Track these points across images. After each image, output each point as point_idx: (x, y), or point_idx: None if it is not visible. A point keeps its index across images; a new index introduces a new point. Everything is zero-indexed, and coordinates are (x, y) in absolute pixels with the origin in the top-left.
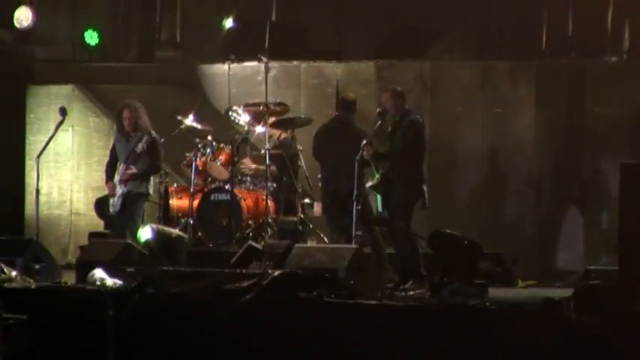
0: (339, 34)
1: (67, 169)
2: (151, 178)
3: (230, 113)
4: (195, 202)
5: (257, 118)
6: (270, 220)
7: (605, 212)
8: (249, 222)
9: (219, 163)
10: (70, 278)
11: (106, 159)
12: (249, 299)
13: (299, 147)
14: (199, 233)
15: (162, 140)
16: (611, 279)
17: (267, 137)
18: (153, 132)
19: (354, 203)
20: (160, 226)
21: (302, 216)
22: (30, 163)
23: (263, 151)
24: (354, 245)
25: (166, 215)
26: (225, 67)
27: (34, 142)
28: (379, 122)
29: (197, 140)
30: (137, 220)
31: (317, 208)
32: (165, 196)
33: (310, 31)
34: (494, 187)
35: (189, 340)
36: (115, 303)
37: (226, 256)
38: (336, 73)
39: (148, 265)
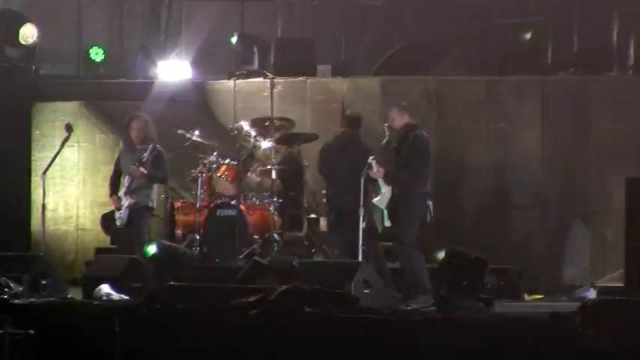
0: (345, 50)
1: (73, 185)
2: (155, 192)
3: (236, 129)
4: (202, 218)
5: (263, 133)
6: (276, 236)
7: (611, 227)
8: (255, 237)
9: (225, 179)
10: (76, 294)
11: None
12: (256, 314)
13: (305, 162)
14: (205, 248)
15: (169, 156)
16: (617, 293)
17: (272, 153)
18: (159, 145)
19: (360, 219)
20: (167, 242)
21: (308, 231)
22: (36, 180)
23: (269, 167)
24: (360, 260)
25: (172, 231)
26: (231, 83)
27: (39, 158)
28: (386, 138)
29: (202, 156)
30: (144, 234)
31: (323, 223)
32: (172, 212)
33: (316, 47)
34: (500, 202)
35: (196, 355)
36: (122, 318)
37: (232, 272)
38: (342, 89)
39: (153, 281)
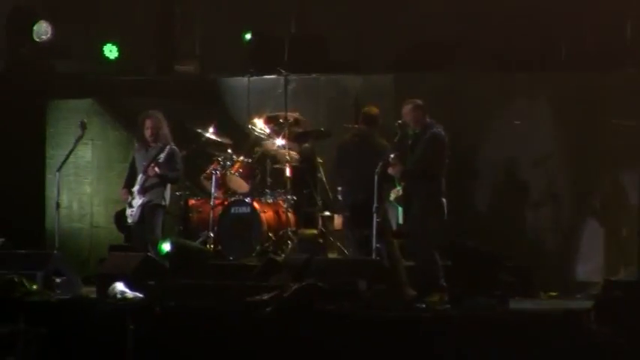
0: (358, 47)
1: (87, 182)
2: (168, 190)
3: (250, 126)
4: (216, 215)
5: (277, 130)
6: (290, 233)
7: (625, 224)
8: (270, 235)
9: (238, 176)
10: (90, 291)
11: (126, 172)
12: (270, 311)
13: (318, 159)
14: (220, 246)
15: (183, 153)
16: (632, 290)
17: (286, 150)
18: (172, 143)
19: (374, 216)
20: (181, 239)
21: (322, 228)
22: (50, 177)
23: (283, 164)
24: (374, 258)
25: (187, 228)
26: (245, 80)
27: (54, 156)
28: (398, 135)
29: (217, 153)
30: (157, 232)
31: (337, 220)
32: (186, 209)
33: (329, 44)
34: (513, 198)
35: (210, 352)
36: (136, 316)
37: (247, 269)
38: (355, 86)
39: (167, 278)
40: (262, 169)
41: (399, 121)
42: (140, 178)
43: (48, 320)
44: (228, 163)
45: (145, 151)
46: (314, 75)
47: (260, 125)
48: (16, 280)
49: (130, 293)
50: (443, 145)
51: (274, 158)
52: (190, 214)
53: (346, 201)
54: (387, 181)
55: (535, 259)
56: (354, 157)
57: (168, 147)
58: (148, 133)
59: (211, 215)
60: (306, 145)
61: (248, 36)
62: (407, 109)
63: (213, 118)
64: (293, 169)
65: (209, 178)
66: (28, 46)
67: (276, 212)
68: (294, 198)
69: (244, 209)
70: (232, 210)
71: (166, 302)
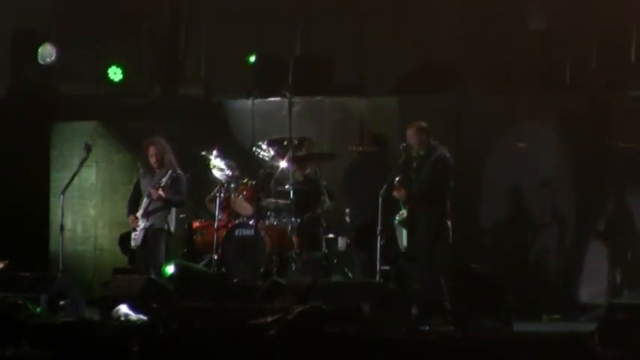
0: (363, 69)
1: (92, 205)
2: (173, 215)
3: (254, 149)
4: (220, 238)
5: (281, 153)
6: (294, 255)
7: (630, 246)
8: (273, 257)
9: (243, 199)
10: (94, 314)
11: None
12: (274, 334)
13: (323, 182)
14: (223, 268)
15: (187, 176)
16: (636, 313)
17: (291, 172)
18: (178, 168)
19: (378, 238)
20: (185, 262)
21: (326, 251)
22: (54, 200)
23: (287, 187)
24: (378, 280)
25: (191, 250)
26: (249, 102)
27: (58, 178)
28: (403, 157)
29: (221, 176)
30: (160, 256)
31: (341, 242)
32: (190, 232)
33: (334, 66)
34: (517, 221)
35: None
36: (140, 339)
37: (250, 291)
38: (360, 108)
39: (171, 301)
40: (266, 192)
41: (404, 144)
42: (145, 202)
43: (52, 343)
44: (233, 185)
45: (150, 177)
46: (318, 97)
47: (264, 147)
48: (20, 302)
49: (133, 316)
50: (448, 168)
51: (278, 180)
52: (194, 237)
53: (354, 222)
54: (392, 204)
55: (539, 282)
56: (364, 179)
57: (172, 171)
58: (152, 160)
59: (215, 238)
60: (311, 167)
61: (252, 58)
62: (411, 131)
63: (218, 140)
64: (297, 191)
65: (213, 201)
66: (33, 68)
67: (280, 235)
68: (298, 220)
69: (248, 232)
70: (236, 232)
71: (170, 324)
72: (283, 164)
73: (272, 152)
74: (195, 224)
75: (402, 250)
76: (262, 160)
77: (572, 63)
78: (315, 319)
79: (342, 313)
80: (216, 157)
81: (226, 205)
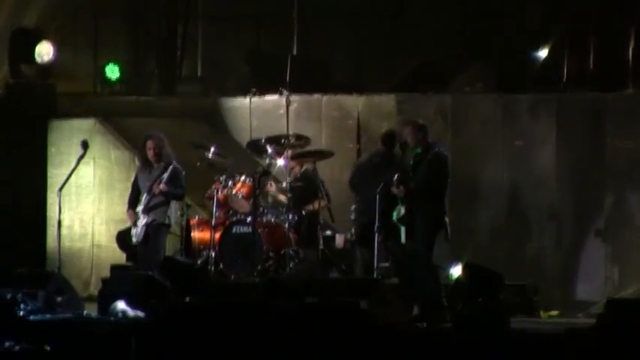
0: (360, 67)
1: (89, 202)
2: (173, 209)
3: (251, 146)
4: (217, 235)
5: (278, 151)
6: (291, 252)
7: (628, 243)
8: (271, 254)
9: (240, 196)
10: (92, 310)
11: (127, 192)
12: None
13: (321, 179)
14: (221, 265)
15: (184, 173)
16: (633, 309)
17: (288, 170)
18: (175, 162)
19: (376, 235)
20: (182, 259)
21: (324, 248)
22: (52, 196)
23: (284, 184)
24: (376, 277)
25: (188, 247)
26: (247, 100)
27: (55, 175)
28: (400, 155)
29: (218, 173)
30: (161, 252)
31: (339, 240)
32: (187, 229)
33: (331, 65)
34: (515, 219)
35: None
36: (138, 335)
37: (248, 288)
38: (357, 106)
39: (169, 298)
40: (264, 189)
41: (400, 142)
42: (145, 197)
43: (49, 339)
44: (230, 183)
45: (148, 172)
46: (316, 95)
47: (261, 145)
48: (17, 299)
49: (131, 312)
50: (445, 166)
51: (276, 178)
52: (192, 234)
53: (358, 219)
54: (390, 201)
55: (536, 279)
56: (373, 177)
57: (171, 166)
58: (150, 154)
59: (212, 235)
60: (308, 164)
61: (250, 56)
62: (408, 129)
63: (215, 138)
64: (295, 188)
65: (211, 198)
66: (31, 66)
67: (278, 232)
68: (296, 217)
69: (245, 229)
70: (234, 230)
71: (168, 322)
72: (281, 162)
73: (270, 150)
74: (193, 221)
75: (401, 248)
76: (260, 157)
77: (569, 61)
78: (312, 315)
79: (339, 310)
80: (213, 154)
81: (224, 203)
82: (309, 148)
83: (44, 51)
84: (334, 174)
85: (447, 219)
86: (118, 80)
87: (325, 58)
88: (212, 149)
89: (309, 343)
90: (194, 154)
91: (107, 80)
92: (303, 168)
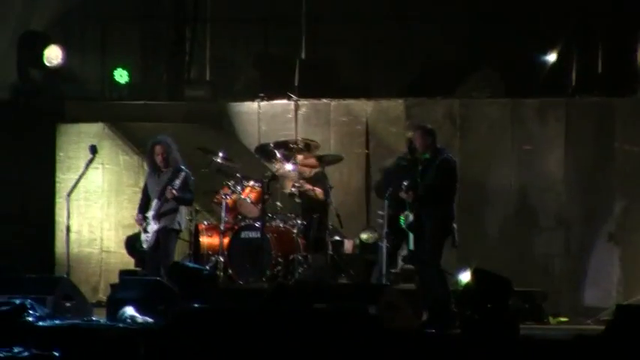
0: (369, 72)
1: (98, 206)
2: (183, 215)
3: (260, 151)
4: (226, 240)
5: (287, 155)
6: (300, 258)
7: (636, 248)
8: (279, 259)
9: (249, 201)
10: (100, 316)
11: (137, 196)
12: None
13: (329, 184)
14: (230, 270)
15: (193, 178)
16: None
17: (297, 175)
18: (184, 167)
19: (384, 241)
20: (191, 264)
21: (332, 253)
22: (60, 201)
23: (293, 189)
24: (385, 283)
25: (197, 253)
26: (255, 105)
27: (64, 180)
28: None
29: (227, 178)
30: (171, 257)
31: (347, 245)
32: (196, 234)
33: (339, 69)
34: (524, 224)
35: None
36: (146, 341)
37: (256, 294)
38: (366, 111)
39: (177, 303)
40: (272, 194)
41: (408, 147)
42: (155, 203)
43: (58, 344)
44: (239, 187)
45: (157, 177)
46: (324, 100)
47: (270, 150)
48: (26, 304)
49: (140, 317)
50: (454, 171)
51: (284, 183)
52: (200, 239)
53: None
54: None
55: (545, 285)
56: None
57: (183, 173)
58: (158, 159)
59: (221, 240)
60: (317, 169)
61: (258, 61)
62: (416, 134)
63: (224, 142)
64: (303, 193)
65: (219, 203)
66: (39, 70)
67: (286, 237)
68: (304, 223)
69: (254, 234)
70: (242, 235)
71: (176, 327)
72: (289, 167)
73: (278, 154)
74: (202, 226)
75: (409, 253)
76: (268, 162)
77: (577, 66)
78: (321, 320)
79: (348, 316)
80: (222, 159)
81: (232, 208)
82: (317, 152)
83: (53, 55)
84: (343, 179)
85: (454, 225)
86: (127, 85)
87: (333, 63)
88: (220, 154)
89: (318, 349)
90: (202, 158)
91: (116, 85)
92: (312, 173)
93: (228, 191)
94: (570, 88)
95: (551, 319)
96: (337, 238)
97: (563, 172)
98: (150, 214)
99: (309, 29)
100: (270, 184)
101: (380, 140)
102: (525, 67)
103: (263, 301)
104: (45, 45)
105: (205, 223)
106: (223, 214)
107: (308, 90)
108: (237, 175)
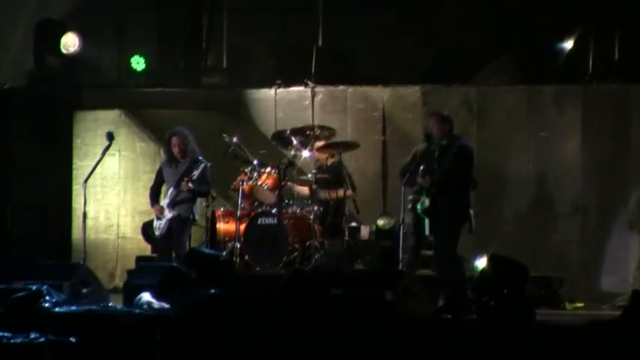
0: (385, 59)
1: (114, 193)
2: (197, 204)
3: (276, 138)
4: (242, 226)
5: (304, 142)
6: (316, 244)
7: None
8: (296, 246)
9: (265, 188)
10: (117, 302)
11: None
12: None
13: (347, 170)
14: (246, 257)
15: (209, 164)
16: None
17: (314, 161)
18: (201, 157)
19: (401, 227)
20: (207, 250)
21: (349, 240)
22: (77, 188)
23: (310, 176)
24: (401, 269)
25: (213, 239)
26: (272, 92)
27: (81, 166)
28: (425, 146)
29: (243, 165)
30: (184, 246)
31: (364, 231)
32: (213, 220)
33: (356, 56)
34: (540, 210)
35: None
36: (163, 327)
37: (273, 280)
38: (383, 98)
39: (194, 289)
40: (289, 181)
41: (425, 133)
42: (171, 192)
43: (75, 331)
44: (255, 174)
45: (175, 166)
46: (341, 87)
47: (287, 136)
48: (43, 290)
49: (156, 304)
50: (470, 157)
51: (301, 170)
52: (217, 225)
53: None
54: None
55: (561, 270)
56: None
57: (202, 165)
58: (175, 150)
59: (238, 226)
60: (334, 156)
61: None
62: (433, 120)
63: (240, 129)
64: (320, 180)
65: (236, 190)
66: (56, 57)
67: (303, 223)
68: (321, 209)
69: (271, 220)
70: (259, 221)
71: (193, 313)
72: (306, 153)
73: (295, 141)
74: (218, 212)
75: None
76: (285, 149)
77: (594, 53)
78: (337, 307)
79: (364, 302)
80: (237, 143)
81: (249, 194)
82: (334, 139)
83: (70, 42)
84: (359, 165)
85: (471, 211)
86: (144, 72)
87: (350, 50)
88: (235, 139)
89: (334, 335)
90: (219, 145)
91: (132, 72)
92: (329, 160)
93: (245, 177)
94: (587, 75)
95: (567, 304)
96: (354, 224)
97: (580, 158)
98: (165, 202)
99: (326, 16)
100: (287, 170)
101: (396, 127)
102: (542, 54)
103: (279, 288)
104: (62, 32)
105: (222, 209)
106: (240, 201)
107: (325, 77)
108: (254, 161)
